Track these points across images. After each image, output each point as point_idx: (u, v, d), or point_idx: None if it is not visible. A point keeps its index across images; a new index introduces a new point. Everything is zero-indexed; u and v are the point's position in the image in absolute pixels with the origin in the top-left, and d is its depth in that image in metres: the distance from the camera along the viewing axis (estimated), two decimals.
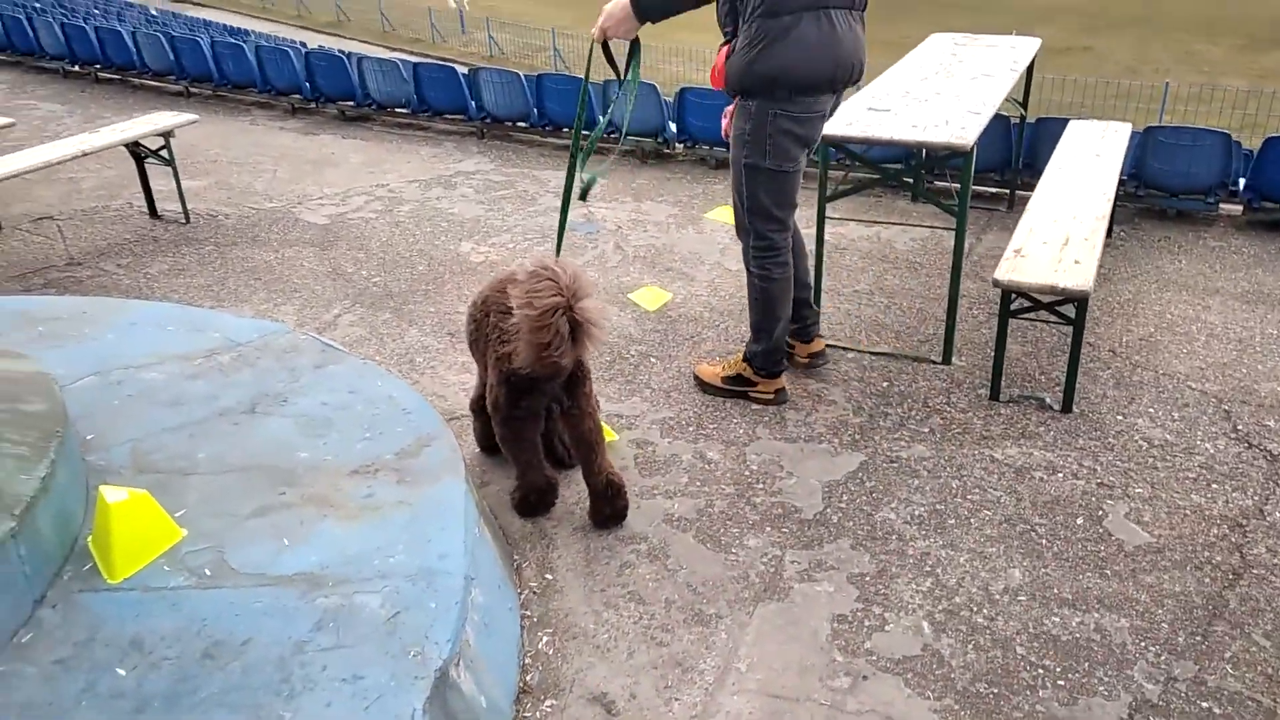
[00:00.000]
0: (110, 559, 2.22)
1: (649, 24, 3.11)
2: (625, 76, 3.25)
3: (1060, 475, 3.30)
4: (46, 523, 2.17)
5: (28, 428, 2.30)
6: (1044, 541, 2.97)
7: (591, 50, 3.14)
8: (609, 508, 3.00)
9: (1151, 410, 3.67)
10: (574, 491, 3.21)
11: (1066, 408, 3.67)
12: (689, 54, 18.62)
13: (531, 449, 3.00)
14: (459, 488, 2.59)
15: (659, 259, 5.24)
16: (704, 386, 3.85)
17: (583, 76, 3.39)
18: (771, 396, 3.76)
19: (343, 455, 2.72)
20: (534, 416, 2.92)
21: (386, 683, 1.99)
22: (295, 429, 2.84)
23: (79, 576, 2.21)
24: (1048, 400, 3.74)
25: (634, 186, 6.49)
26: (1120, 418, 3.63)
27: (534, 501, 3.07)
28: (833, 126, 3.95)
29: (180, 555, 2.31)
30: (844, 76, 3.35)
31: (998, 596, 2.75)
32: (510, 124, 7.95)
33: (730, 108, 3.54)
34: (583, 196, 3.48)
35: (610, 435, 3.48)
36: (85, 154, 5.33)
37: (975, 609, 2.71)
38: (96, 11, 17.66)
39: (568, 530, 3.03)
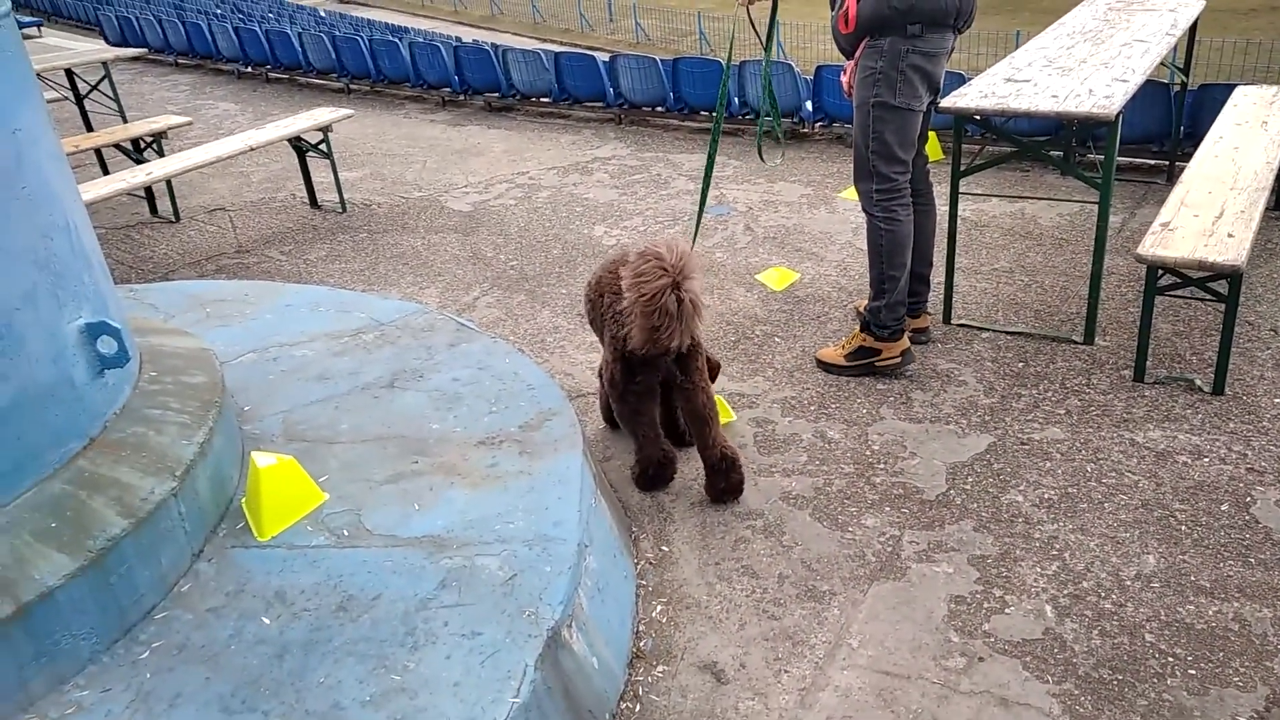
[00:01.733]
0: (260, 519, 2.43)
1: None
2: (768, 41, 3.58)
3: (1206, 460, 3.12)
4: (204, 484, 2.39)
5: (190, 398, 2.54)
6: (1184, 528, 2.83)
7: (734, 30, 3.56)
8: (723, 481, 3.04)
9: None
10: (693, 468, 3.27)
11: (1218, 390, 3.46)
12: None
13: (648, 424, 3.07)
14: (576, 460, 2.69)
15: (789, 239, 5.21)
16: (829, 369, 3.84)
17: (721, 60, 3.74)
18: (898, 359, 3.71)
19: (471, 427, 2.87)
20: (649, 392, 2.99)
21: (502, 639, 2.10)
22: (429, 403, 3.01)
23: (232, 534, 2.44)
24: (1197, 382, 3.54)
25: (767, 167, 6.47)
26: (1278, 401, 3.39)
27: (652, 475, 3.14)
28: (967, 98, 3.85)
29: (322, 517, 2.50)
30: (966, 11, 3.47)
31: (1129, 583, 2.64)
32: (648, 109, 8.04)
33: (850, 64, 3.60)
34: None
35: (728, 415, 3.51)
36: (252, 149, 5.75)
37: (1104, 594, 2.61)
38: (270, 15, 18.85)
39: (685, 505, 3.10)
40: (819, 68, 7.01)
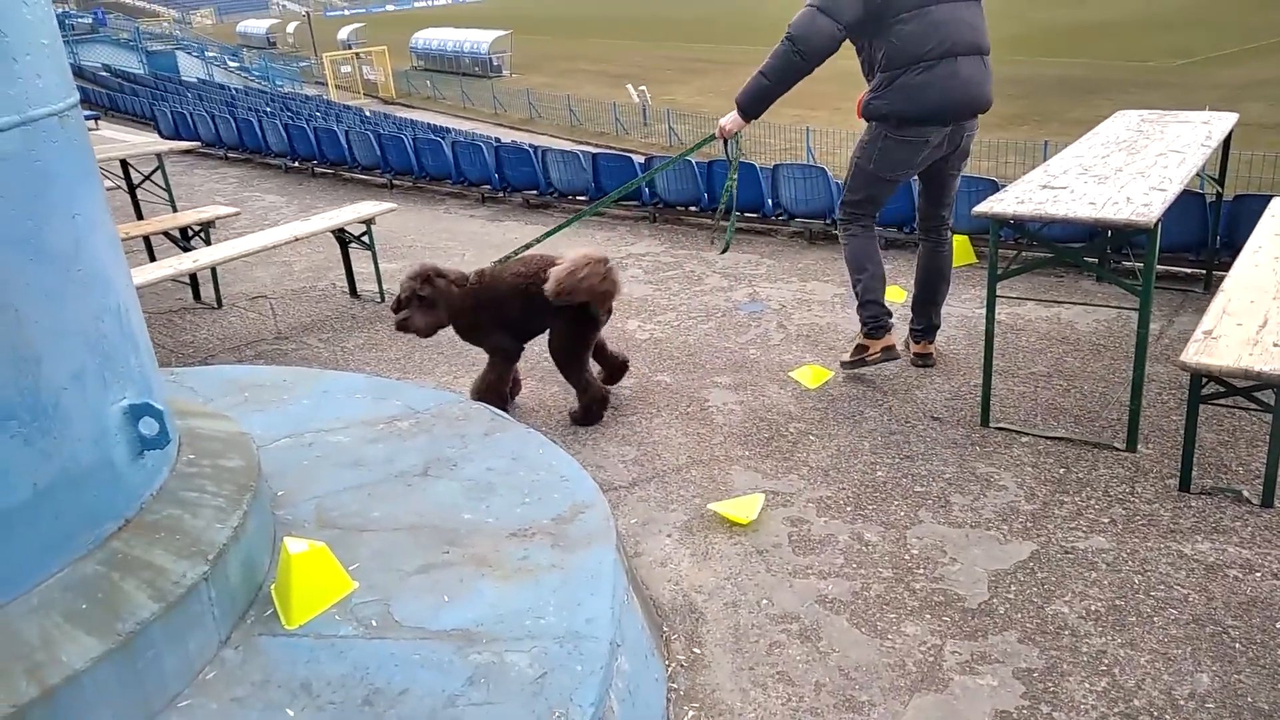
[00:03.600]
0: (289, 606, 2.39)
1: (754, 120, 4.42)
2: (732, 158, 4.68)
3: (1258, 574, 3.01)
4: (235, 569, 2.37)
5: (225, 481, 2.54)
6: (1238, 645, 2.72)
7: (725, 143, 4.56)
8: (621, 373, 4.62)
9: None
10: (724, 566, 3.21)
11: (1267, 502, 3.37)
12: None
13: (588, 369, 4.34)
14: (609, 555, 2.65)
15: (822, 337, 5.22)
16: (846, 367, 4.63)
17: (742, 161, 4.86)
18: (879, 355, 4.49)
19: (503, 518, 2.84)
20: (587, 345, 4.32)
21: None
22: (462, 492, 2.99)
23: (260, 620, 2.40)
24: (1245, 493, 3.45)
25: (800, 267, 6.52)
26: None
27: (596, 410, 4.35)
28: (1004, 204, 3.88)
29: (351, 606, 2.46)
30: (951, 112, 4.18)
31: (1182, 702, 2.53)
32: (681, 208, 8.19)
33: None
34: (724, 250, 5.38)
35: (743, 519, 3.45)
36: (296, 239, 5.89)
37: (1157, 714, 2.50)
38: (318, 114, 19.57)
39: (718, 605, 3.02)
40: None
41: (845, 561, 3.22)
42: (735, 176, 4.84)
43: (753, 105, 4.29)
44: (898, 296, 5.56)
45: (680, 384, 4.74)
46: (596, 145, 24.18)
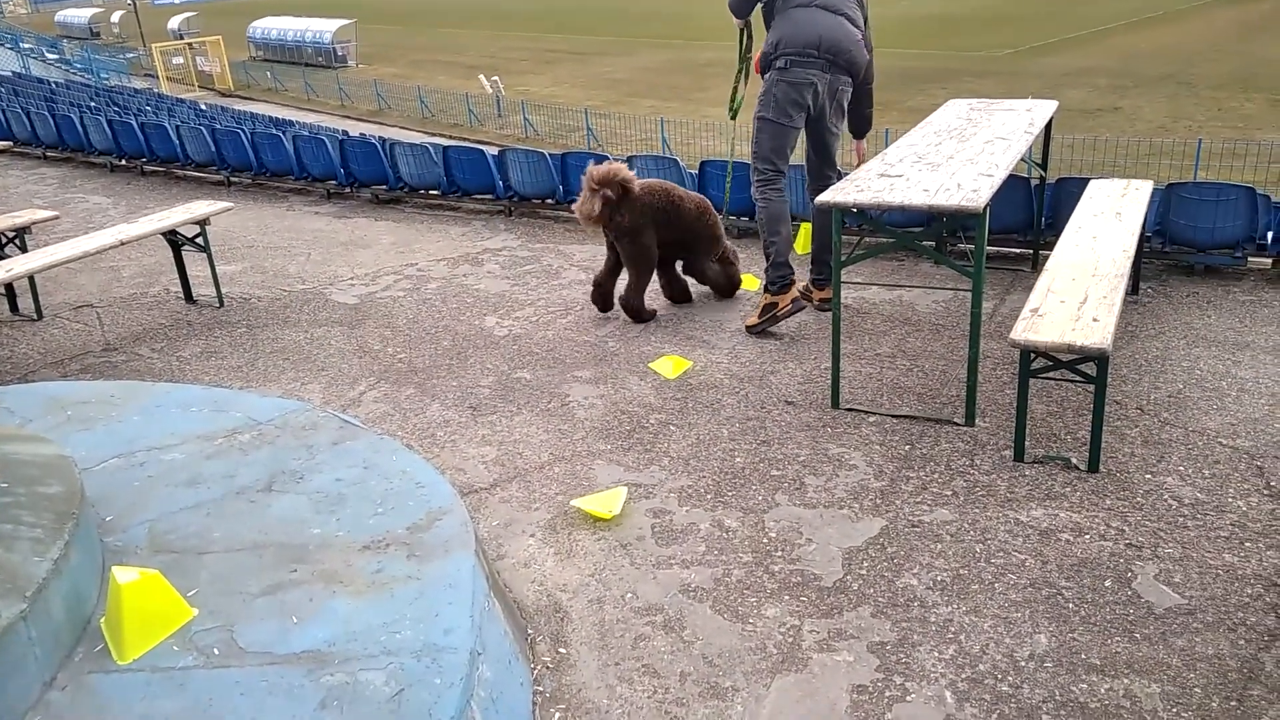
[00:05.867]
0: (120, 639, 2.24)
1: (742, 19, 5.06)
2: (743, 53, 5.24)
3: (1087, 537, 3.22)
4: (58, 604, 2.20)
5: (44, 510, 2.35)
6: (1071, 605, 2.89)
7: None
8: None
9: (1181, 468, 3.59)
10: (589, 562, 3.20)
11: (1093, 467, 3.60)
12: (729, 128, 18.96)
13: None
14: (469, 561, 2.59)
15: (680, 327, 5.26)
16: (753, 331, 5.02)
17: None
18: (789, 306, 4.94)
19: (355, 530, 2.74)
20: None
21: None
22: (309, 506, 2.87)
23: (90, 657, 2.23)
24: (1073, 460, 3.67)
25: None
26: (1149, 476, 3.54)
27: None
28: (845, 192, 4.00)
29: (190, 635, 2.32)
30: (828, 51, 4.76)
31: (1023, 663, 2.67)
32: (538, 201, 8.11)
33: None
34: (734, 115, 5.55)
35: (605, 515, 3.45)
36: (123, 243, 5.52)
37: (1000, 677, 2.63)
38: (148, 108, 18.45)
39: (583, 603, 3.01)
40: (702, 163, 7.23)
41: (707, 549, 3.26)
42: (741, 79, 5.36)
43: (739, 7, 4.96)
44: (804, 249, 5.86)
45: (541, 380, 4.70)
46: (449, 137, 23.72)
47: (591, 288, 5.49)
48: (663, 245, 5.27)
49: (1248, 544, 3.12)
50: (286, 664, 2.22)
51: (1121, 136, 17.37)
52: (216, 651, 2.26)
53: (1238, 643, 2.69)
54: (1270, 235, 5.57)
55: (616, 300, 5.41)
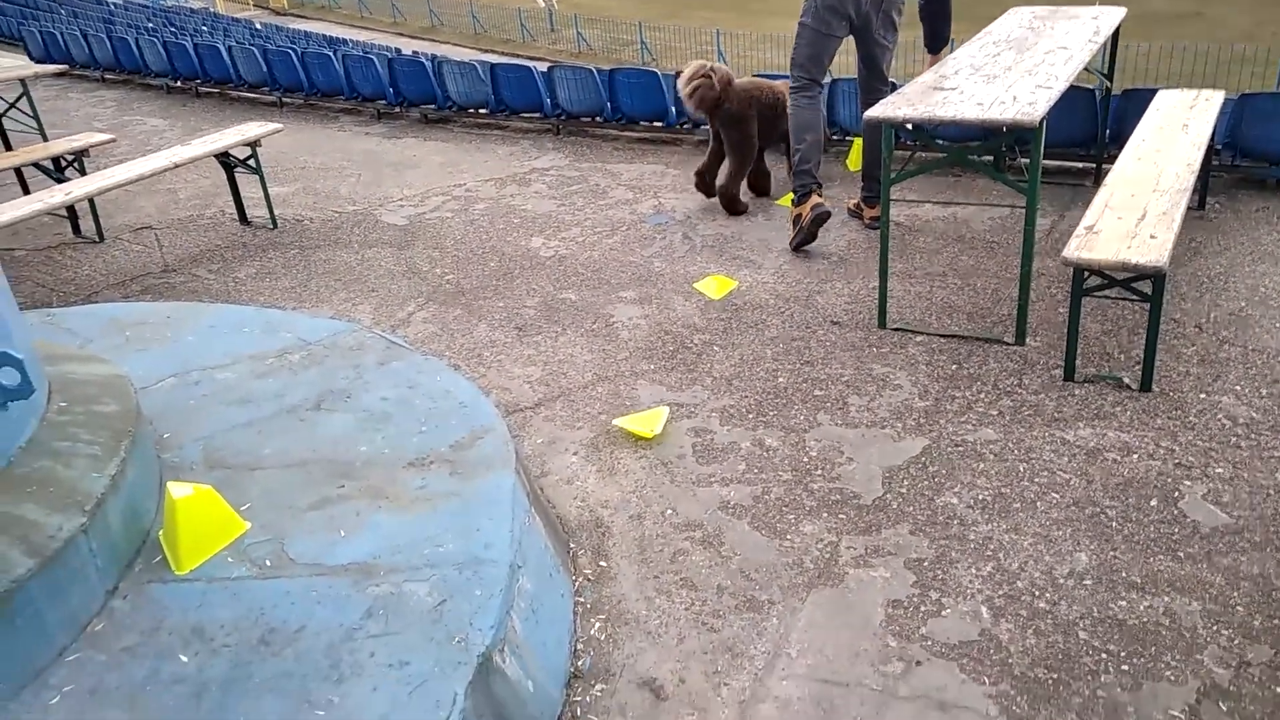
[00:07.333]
0: (177, 552, 2.34)
1: None
2: None
3: (1135, 456, 3.17)
4: (116, 518, 2.30)
5: (101, 428, 2.45)
6: (1114, 524, 2.87)
7: None
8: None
9: (1238, 387, 3.49)
10: (630, 480, 3.24)
11: (1145, 387, 3.52)
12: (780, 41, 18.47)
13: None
14: (509, 479, 2.64)
15: (727, 247, 5.22)
16: (793, 247, 5.04)
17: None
18: (810, 216, 4.87)
19: (399, 448, 2.81)
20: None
21: (430, 669, 2.05)
22: (356, 424, 2.94)
23: (149, 568, 2.35)
24: (1125, 380, 3.60)
25: None
26: (1203, 396, 3.46)
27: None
28: (894, 106, 3.88)
29: (243, 547, 2.42)
30: None
31: (1062, 581, 2.67)
32: (585, 119, 8.01)
33: None
34: None
35: (646, 434, 3.47)
36: (177, 165, 5.60)
37: (1038, 594, 2.63)
38: (204, 29, 18.50)
39: (624, 519, 3.06)
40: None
41: (747, 468, 3.28)
42: None
43: None
44: (856, 165, 5.93)
45: (586, 301, 4.71)
46: (501, 53, 23.44)
47: (694, 177, 5.86)
48: (760, 136, 5.62)
49: None
50: (334, 575, 2.31)
51: (1202, 43, 16.48)
52: (268, 563, 2.36)
53: None
54: None
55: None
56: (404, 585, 2.27)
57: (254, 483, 2.65)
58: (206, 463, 2.74)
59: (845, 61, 5.24)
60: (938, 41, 5.15)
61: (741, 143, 5.55)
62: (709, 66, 5.40)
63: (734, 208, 5.66)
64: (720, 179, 5.69)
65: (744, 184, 5.71)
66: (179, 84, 11.39)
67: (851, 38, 4.98)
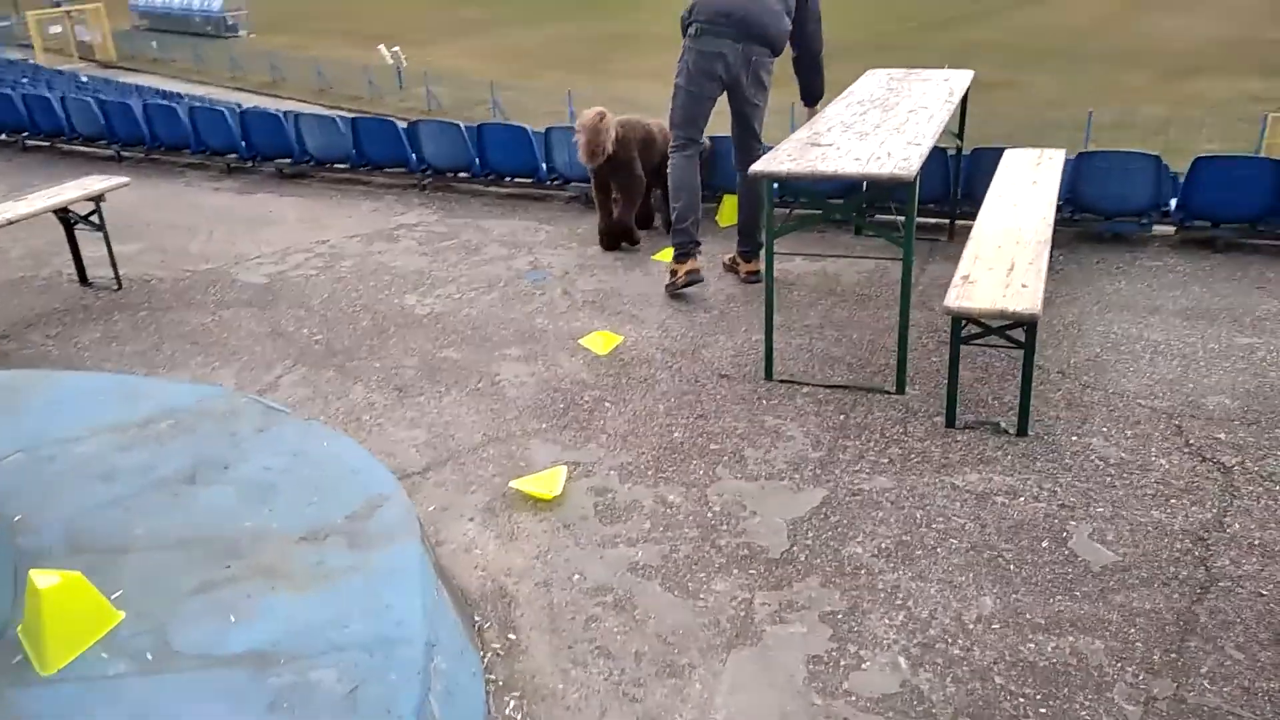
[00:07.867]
0: (42, 649, 2.08)
1: None
2: None
3: (1021, 499, 3.29)
4: None
5: None
6: (1012, 567, 2.95)
7: None
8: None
9: (1105, 429, 3.69)
10: (532, 544, 3.13)
11: (1022, 431, 3.68)
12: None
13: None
14: (415, 548, 2.49)
15: (608, 303, 5.19)
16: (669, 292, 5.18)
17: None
18: (684, 278, 5.05)
19: (290, 522, 2.61)
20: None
21: None
22: (238, 497, 2.72)
23: (7, 671, 2.07)
24: (1003, 424, 3.75)
25: (579, 232, 6.46)
26: (1075, 438, 3.64)
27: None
28: (778, 161, 3.97)
29: (119, 640, 2.17)
30: (740, 22, 4.73)
31: (971, 626, 2.71)
32: (452, 174, 7.89)
33: None
34: None
35: (547, 495, 3.38)
36: (11, 222, 5.15)
37: (950, 640, 2.66)
38: (25, 80, 17.37)
39: (530, 586, 2.94)
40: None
41: (652, 526, 3.22)
42: None
43: None
44: (727, 221, 6.09)
45: (468, 359, 4.57)
46: (349, 110, 22.99)
47: (599, 236, 6.08)
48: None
49: (1173, 500, 3.23)
50: (228, 666, 2.09)
51: (1017, 110, 17.93)
52: (150, 656, 2.12)
53: (1172, 597, 2.78)
54: (1173, 202, 5.78)
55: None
56: (309, 673, 2.08)
57: (126, 567, 2.40)
58: (70, 546, 2.47)
59: (720, 121, 5.35)
60: (812, 95, 5.34)
61: (631, 182, 5.85)
62: (602, 116, 5.60)
63: (630, 238, 5.97)
64: (615, 215, 5.99)
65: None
66: (3, 136, 10.59)
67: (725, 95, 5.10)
